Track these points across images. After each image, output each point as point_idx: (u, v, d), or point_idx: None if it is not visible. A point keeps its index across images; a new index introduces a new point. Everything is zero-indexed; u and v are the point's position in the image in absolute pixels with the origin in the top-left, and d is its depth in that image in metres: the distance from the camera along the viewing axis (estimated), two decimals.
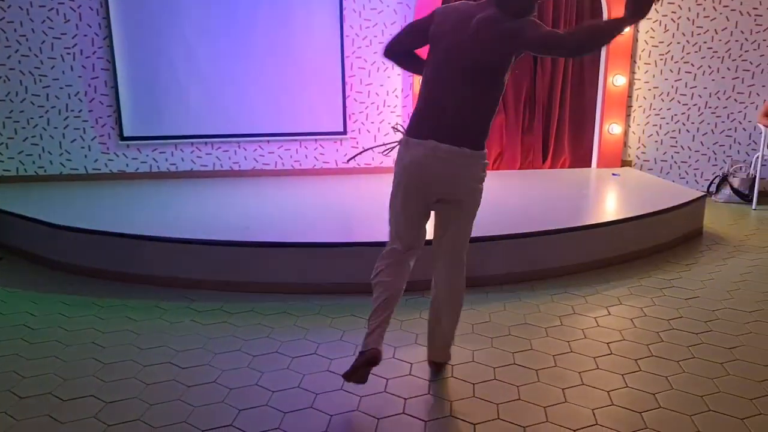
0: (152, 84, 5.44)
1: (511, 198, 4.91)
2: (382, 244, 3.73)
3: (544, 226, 3.94)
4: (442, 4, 5.50)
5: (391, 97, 5.75)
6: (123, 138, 5.52)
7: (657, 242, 4.40)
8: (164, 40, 5.37)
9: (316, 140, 5.79)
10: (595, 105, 6.01)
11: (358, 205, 4.72)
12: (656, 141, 6.06)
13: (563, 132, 6.04)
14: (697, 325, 3.20)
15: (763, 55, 5.87)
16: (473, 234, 2.54)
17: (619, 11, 5.58)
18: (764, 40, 5.84)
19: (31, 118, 5.42)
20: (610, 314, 3.36)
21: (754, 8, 5.76)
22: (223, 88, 5.53)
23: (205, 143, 5.68)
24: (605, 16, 5.73)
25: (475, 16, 2.30)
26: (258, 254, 3.73)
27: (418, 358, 2.86)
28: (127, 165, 5.63)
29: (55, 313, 3.42)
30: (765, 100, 5.81)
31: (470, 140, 2.32)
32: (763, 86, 5.92)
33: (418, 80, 5.52)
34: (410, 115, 2.44)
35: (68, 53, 5.33)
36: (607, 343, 3.00)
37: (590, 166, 6.14)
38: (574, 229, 4.01)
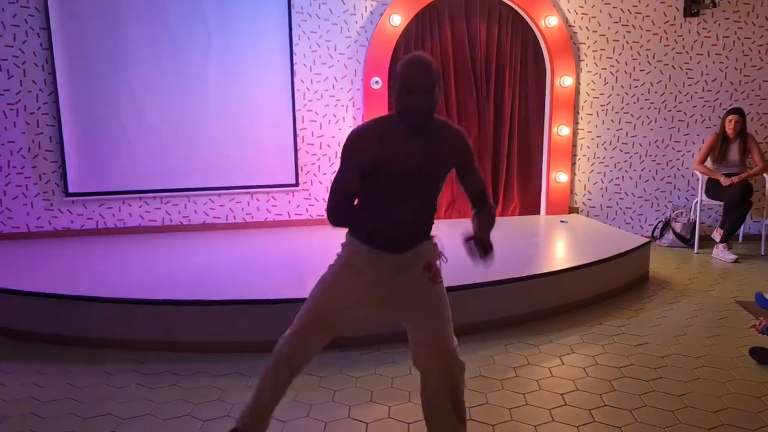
0: (99, 139, 5.35)
1: (461, 246, 4.95)
2: None
3: (496, 276, 3.96)
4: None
5: None
6: (68, 194, 5.37)
7: (606, 288, 4.49)
8: (112, 94, 5.31)
9: (267, 192, 5.77)
10: (541, 154, 6.19)
11: (312, 258, 4.67)
12: (601, 188, 6.26)
13: (512, 180, 6.18)
14: (647, 373, 3.25)
15: (695, 107, 6.19)
16: None
17: (562, 70, 5.84)
18: (696, 93, 6.16)
19: None
20: (563, 363, 3.38)
21: (686, 63, 6.10)
22: (173, 141, 5.48)
23: (154, 198, 5.58)
24: (549, 76, 5.98)
25: None
26: (208, 312, 3.64)
27: (375, 417, 2.81)
28: (72, 222, 5.47)
29: None
30: (699, 149, 6.09)
31: None
32: (698, 135, 6.22)
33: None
34: None
35: (11, 109, 5.21)
36: (561, 394, 3.01)
37: (539, 213, 6.28)
38: (526, 278, 4.06)
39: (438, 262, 2.31)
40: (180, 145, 5.50)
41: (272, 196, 5.79)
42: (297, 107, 5.65)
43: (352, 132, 2.20)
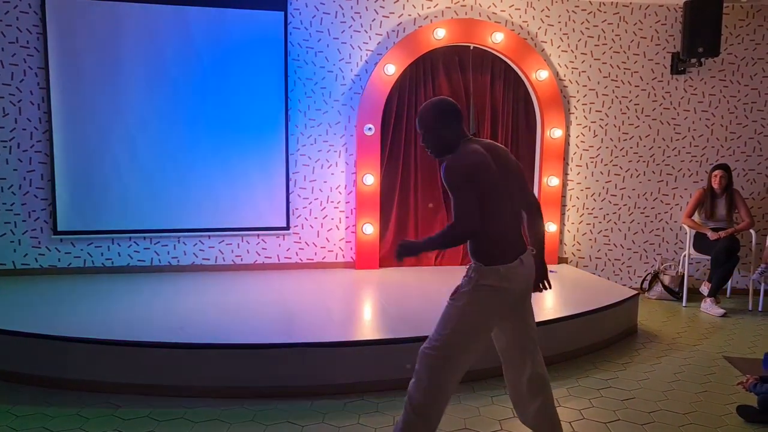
0: (91, 178, 5.35)
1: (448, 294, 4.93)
2: (324, 344, 3.67)
3: None
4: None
5: (334, 193, 5.83)
6: (57, 232, 5.35)
7: (594, 340, 4.47)
8: (106, 134, 5.33)
9: (258, 235, 5.76)
10: None
11: (300, 303, 4.63)
12: (590, 239, 6.29)
13: None
14: (634, 429, 3.21)
15: (683, 161, 6.29)
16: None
17: (552, 122, 5.94)
18: (683, 148, 6.27)
19: None
20: None
21: (673, 118, 6.22)
22: (165, 182, 5.49)
23: (144, 238, 5.56)
24: (539, 128, 6.08)
25: None
26: (191, 356, 3.59)
27: None
28: (59, 260, 5.43)
29: None
30: (687, 202, 6.16)
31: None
32: (686, 189, 6.30)
33: (360, 176, 5.65)
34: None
35: (4, 147, 5.23)
36: None
37: None
38: None
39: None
40: (171, 186, 5.51)
41: (262, 239, 5.78)
42: (290, 151, 5.69)
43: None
